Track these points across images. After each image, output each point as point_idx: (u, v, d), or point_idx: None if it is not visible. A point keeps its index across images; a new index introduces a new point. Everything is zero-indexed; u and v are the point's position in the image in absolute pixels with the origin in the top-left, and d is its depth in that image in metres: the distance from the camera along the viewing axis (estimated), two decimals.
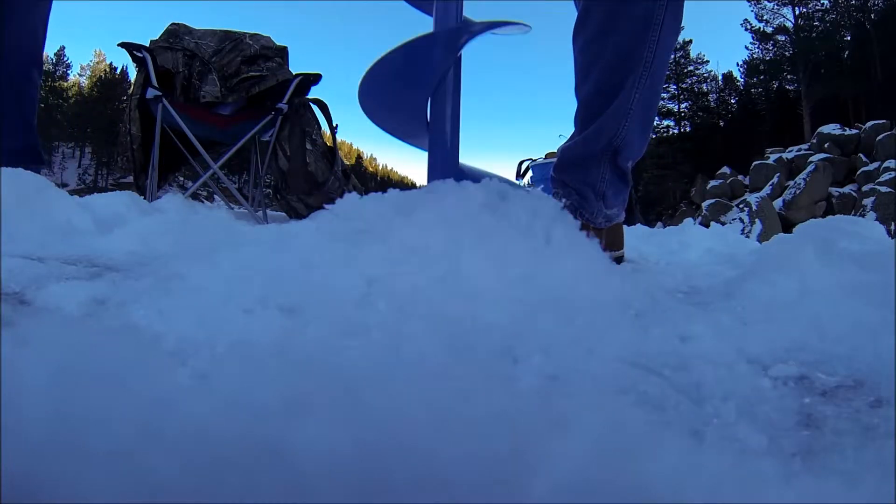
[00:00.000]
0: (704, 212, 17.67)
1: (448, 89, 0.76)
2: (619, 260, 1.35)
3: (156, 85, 2.51)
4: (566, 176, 1.39)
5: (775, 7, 29.99)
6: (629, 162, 1.36)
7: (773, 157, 21.36)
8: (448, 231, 0.66)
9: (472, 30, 0.78)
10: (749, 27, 31.27)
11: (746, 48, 32.49)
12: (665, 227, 2.90)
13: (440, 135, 0.74)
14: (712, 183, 22.01)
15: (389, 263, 0.60)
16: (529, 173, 5.59)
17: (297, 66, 3.20)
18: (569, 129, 1.45)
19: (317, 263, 0.61)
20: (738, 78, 34.57)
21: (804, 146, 21.45)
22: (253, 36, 2.89)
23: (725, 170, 23.09)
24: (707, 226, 2.03)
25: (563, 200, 1.37)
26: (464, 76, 1.21)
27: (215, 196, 3.36)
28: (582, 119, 1.35)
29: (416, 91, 0.73)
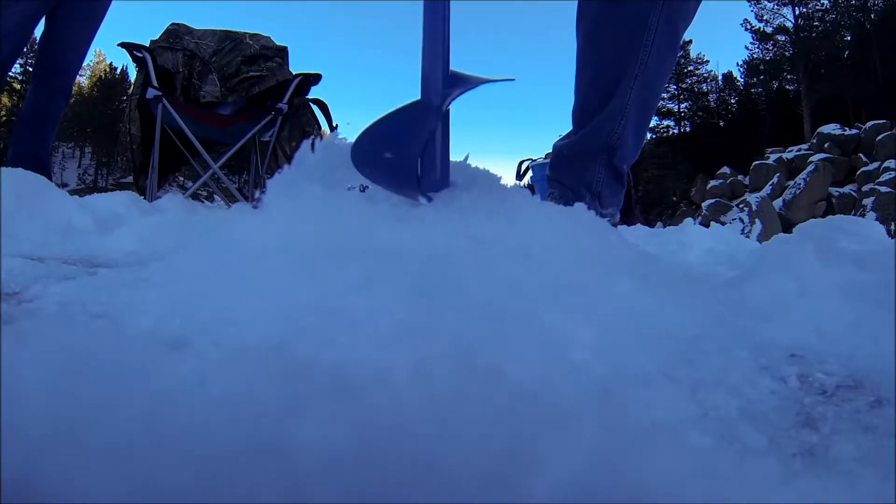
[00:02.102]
0: (704, 212, 17.67)
1: (437, 144, 0.79)
2: None
3: (156, 85, 2.51)
4: (562, 175, 1.39)
5: (775, 7, 30.01)
6: (624, 163, 1.36)
7: (773, 157, 21.37)
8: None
9: (457, 92, 0.82)
10: (749, 27, 31.29)
11: (746, 48, 32.54)
12: (665, 227, 2.90)
13: (432, 184, 0.78)
14: (712, 183, 22.02)
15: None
16: (529, 173, 5.60)
17: (297, 66, 3.20)
18: (568, 130, 1.45)
19: (320, 260, 0.61)
20: (738, 78, 34.61)
21: (804, 146, 21.46)
22: (253, 36, 2.89)
23: (725, 170, 23.10)
24: (707, 226, 2.03)
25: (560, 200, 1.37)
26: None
27: (215, 196, 3.37)
28: (579, 115, 1.36)
29: (405, 151, 0.76)
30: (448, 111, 0.82)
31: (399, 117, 0.78)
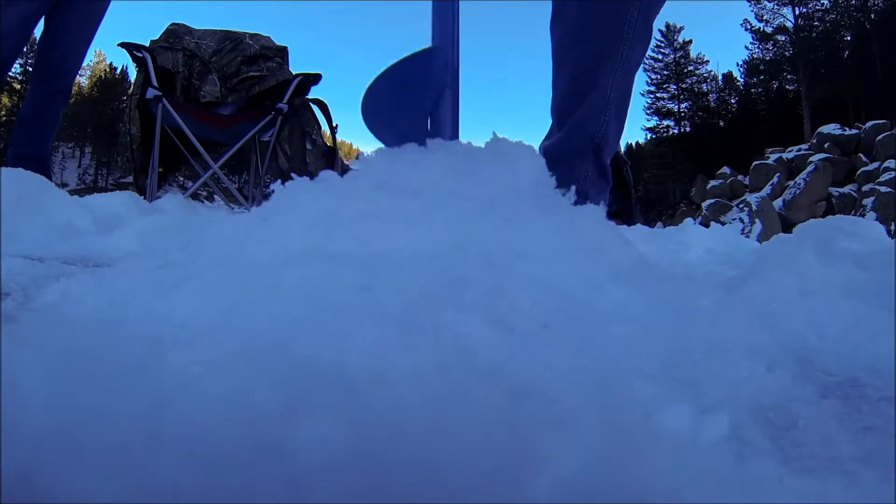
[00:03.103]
0: (704, 212, 17.68)
1: (447, 102, 0.77)
2: None
3: (156, 85, 2.51)
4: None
5: (775, 7, 30.02)
6: (608, 157, 1.38)
7: (773, 157, 21.38)
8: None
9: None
10: (749, 27, 31.29)
11: (746, 48, 32.55)
12: (665, 227, 2.90)
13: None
14: (712, 183, 22.01)
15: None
16: None
17: (297, 66, 3.20)
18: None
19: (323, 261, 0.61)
20: (738, 78, 34.63)
21: (804, 146, 21.47)
22: (253, 36, 2.89)
23: (725, 170, 23.10)
24: (707, 226, 2.03)
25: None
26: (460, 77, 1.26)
27: (215, 196, 3.37)
28: (559, 112, 1.38)
29: (415, 104, 0.75)
30: (458, 67, 0.80)
31: (411, 64, 0.77)
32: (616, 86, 1.29)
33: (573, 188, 1.19)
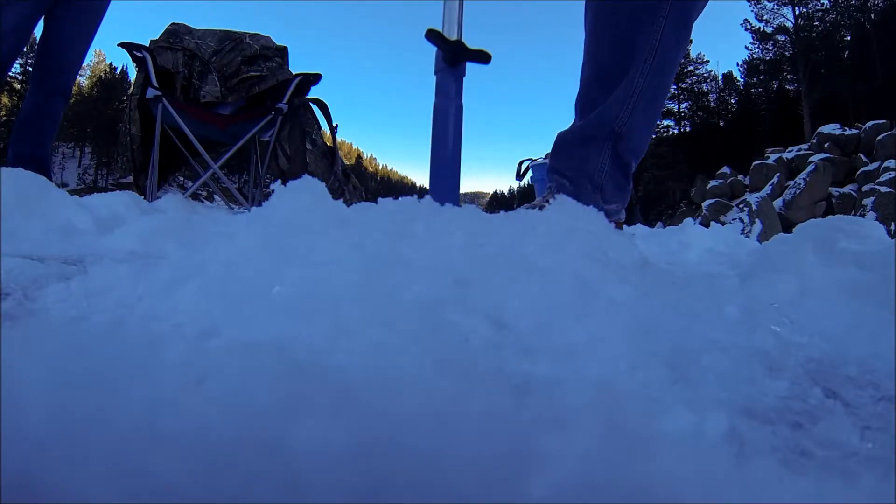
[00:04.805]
0: (704, 212, 17.69)
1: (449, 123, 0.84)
2: None
3: (156, 85, 2.51)
4: (562, 164, 1.29)
5: (775, 7, 30.01)
6: (632, 154, 1.28)
7: (773, 157, 21.37)
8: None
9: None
10: (749, 27, 31.29)
11: (746, 48, 32.56)
12: (665, 227, 2.90)
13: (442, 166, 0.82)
14: (712, 183, 22.01)
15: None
16: (529, 173, 5.59)
17: (297, 66, 3.20)
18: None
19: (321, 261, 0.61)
20: (738, 78, 34.64)
21: (804, 146, 21.47)
22: (253, 36, 2.89)
23: (725, 170, 23.10)
24: (707, 226, 2.03)
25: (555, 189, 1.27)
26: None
27: (215, 196, 3.37)
28: (583, 101, 1.30)
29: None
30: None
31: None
32: (647, 78, 1.19)
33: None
